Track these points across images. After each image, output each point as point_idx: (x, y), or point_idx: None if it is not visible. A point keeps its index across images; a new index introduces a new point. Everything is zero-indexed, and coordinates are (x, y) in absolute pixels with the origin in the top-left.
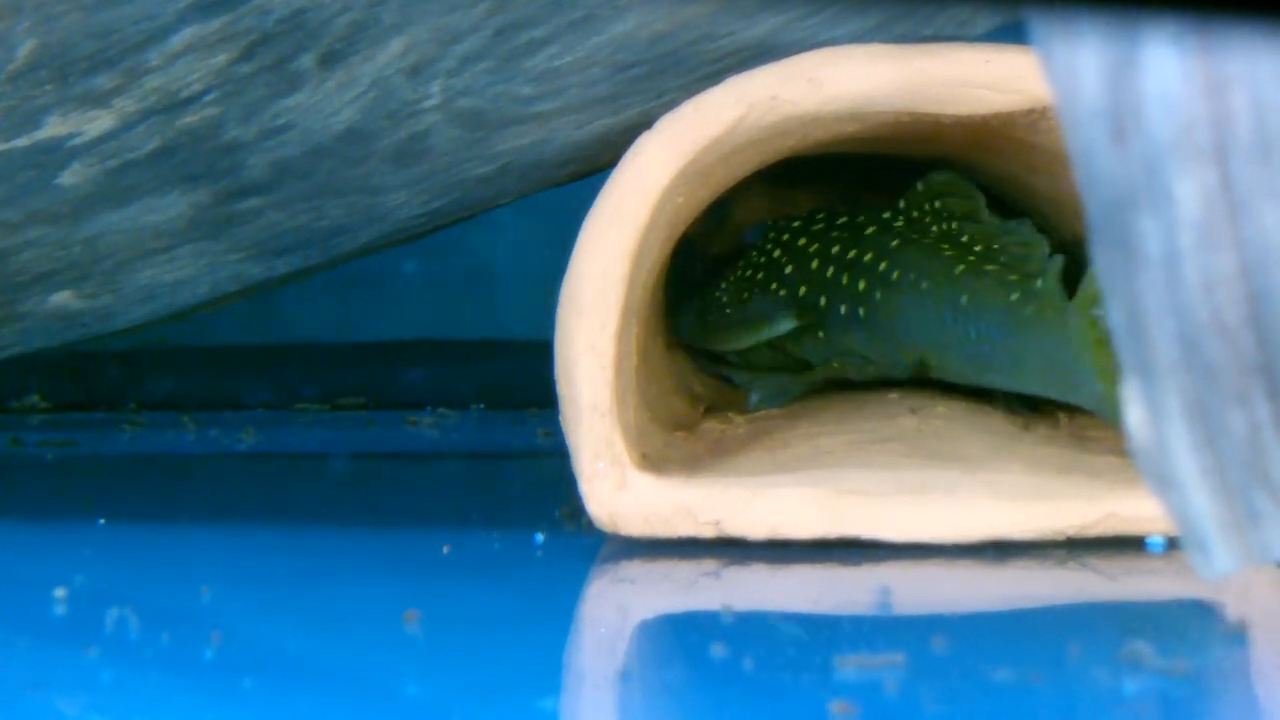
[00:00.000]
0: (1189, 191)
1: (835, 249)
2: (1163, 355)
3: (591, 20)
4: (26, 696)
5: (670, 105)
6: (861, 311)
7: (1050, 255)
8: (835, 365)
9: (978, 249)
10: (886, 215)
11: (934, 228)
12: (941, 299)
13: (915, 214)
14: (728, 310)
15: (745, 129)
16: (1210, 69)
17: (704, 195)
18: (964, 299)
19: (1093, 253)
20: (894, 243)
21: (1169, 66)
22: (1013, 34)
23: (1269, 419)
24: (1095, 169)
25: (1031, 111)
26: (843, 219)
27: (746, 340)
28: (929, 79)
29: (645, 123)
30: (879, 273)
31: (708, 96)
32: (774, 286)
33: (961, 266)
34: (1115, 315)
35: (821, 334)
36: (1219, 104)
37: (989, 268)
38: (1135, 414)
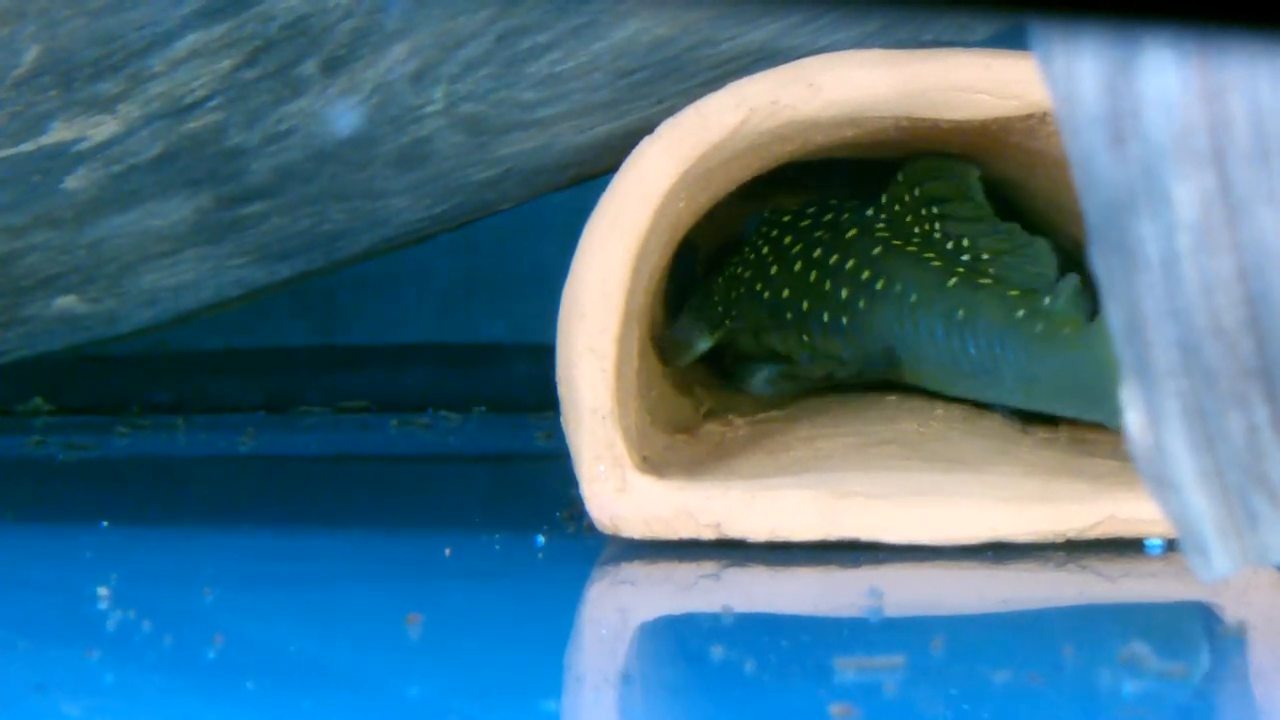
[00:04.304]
0: (1187, 195)
1: (817, 252)
2: (1161, 359)
3: (593, 26)
4: (30, 698)
5: (671, 110)
6: (845, 320)
7: (1065, 274)
8: (818, 369)
9: (965, 258)
10: (870, 213)
11: (916, 229)
12: (933, 313)
13: (898, 208)
14: (719, 307)
15: (746, 134)
16: (1208, 74)
17: (705, 199)
18: (959, 314)
19: (1092, 257)
20: (876, 249)
21: (1167, 72)
22: (1012, 40)
23: (1267, 421)
24: (1094, 173)
25: (1030, 116)
26: (829, 216)
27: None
28: (928, 84)
29: (646, 128)
30: (862, 281)
31: (708, 101)
32: (759, 287)
33: (954, 280)
34: (1114, 319)
35: (806, 338)
36: (1217, 109)
37: (983, 281)
38: (1134, 417)
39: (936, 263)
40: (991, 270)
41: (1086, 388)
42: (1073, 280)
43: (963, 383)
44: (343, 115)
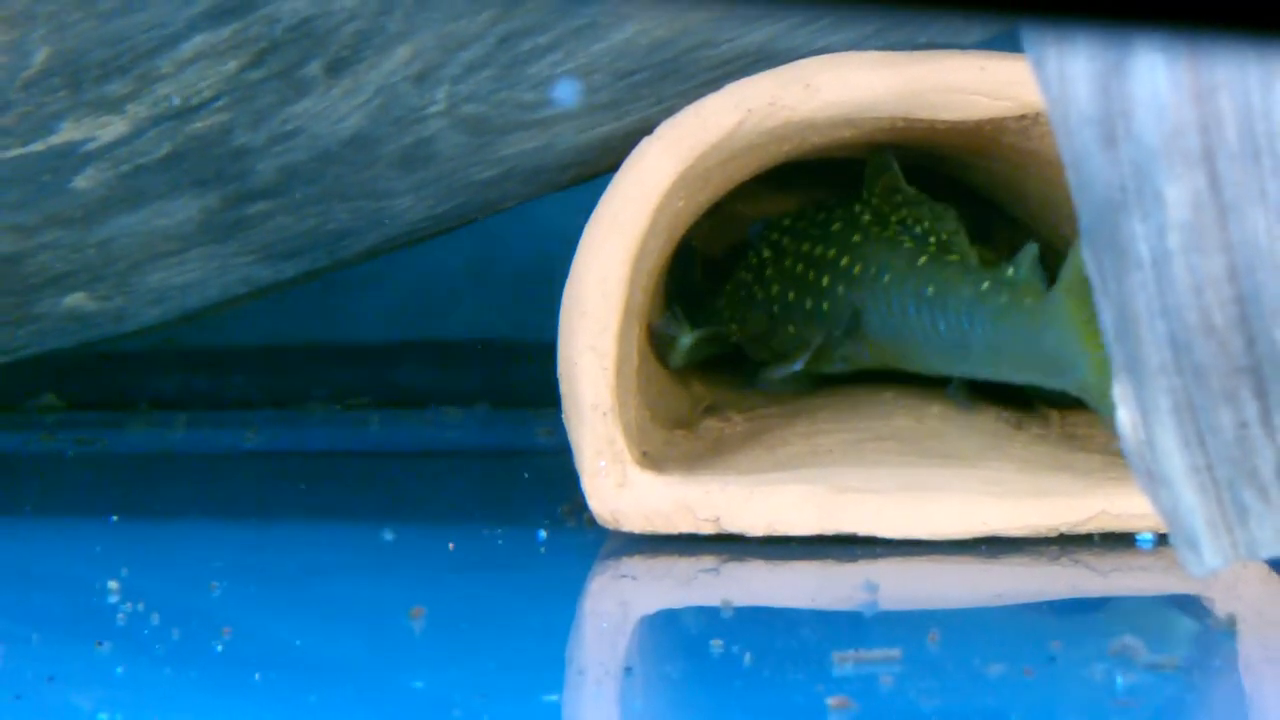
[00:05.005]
0: (1178, 195)
1: (806, 246)
2: (1153, 355)
3: (593, 28)
4: (41, 690)
5: (670, 111)
6: (825, 306)
7: (1028, 243)
8: (798, 355)
9: (932, 239)
10: (857, 208)
11: (893, 217)
12: (904, 292)
13: (875, 201)
14: (725, 313)
15: (744, 134)
16: (1198, 75)
17: (703, 199)
18: (929, 290)
19: (1084, 255)
20: (856, 237)
21: (1158, 73)
22: (1006, 42)
23: (1256, 418)
24: (1087, 173)
25: (1024, 117)
26: (823, 215)
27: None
28: (923, 85)
29: (646, 128)
30: (841, 267)
31: (707, 102)
32: (756, 289)
33: (924, 258)
34: (1106, 316)
35: (791, 329)
36: (1207, 109)
37: (950, 258)
38: (1125, 413)
39: (908, 244)
40: (954, 248)
41: (1048, 357)
42: (1032, 249)
43: (935, 359)
44: (346, 116)
